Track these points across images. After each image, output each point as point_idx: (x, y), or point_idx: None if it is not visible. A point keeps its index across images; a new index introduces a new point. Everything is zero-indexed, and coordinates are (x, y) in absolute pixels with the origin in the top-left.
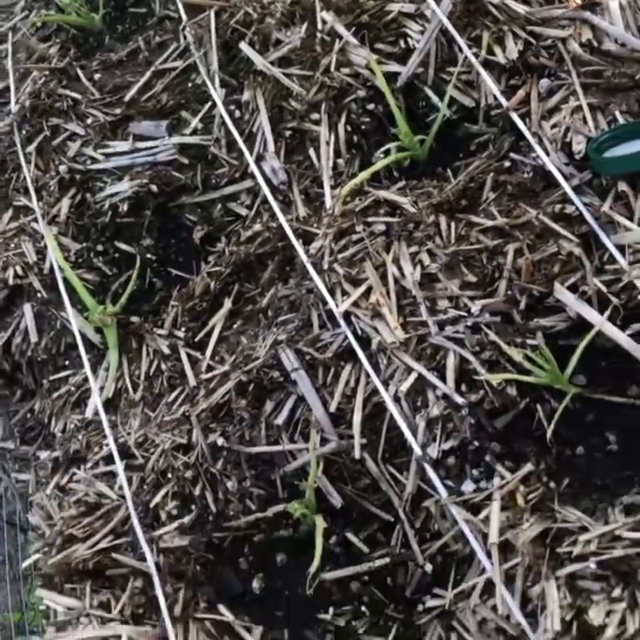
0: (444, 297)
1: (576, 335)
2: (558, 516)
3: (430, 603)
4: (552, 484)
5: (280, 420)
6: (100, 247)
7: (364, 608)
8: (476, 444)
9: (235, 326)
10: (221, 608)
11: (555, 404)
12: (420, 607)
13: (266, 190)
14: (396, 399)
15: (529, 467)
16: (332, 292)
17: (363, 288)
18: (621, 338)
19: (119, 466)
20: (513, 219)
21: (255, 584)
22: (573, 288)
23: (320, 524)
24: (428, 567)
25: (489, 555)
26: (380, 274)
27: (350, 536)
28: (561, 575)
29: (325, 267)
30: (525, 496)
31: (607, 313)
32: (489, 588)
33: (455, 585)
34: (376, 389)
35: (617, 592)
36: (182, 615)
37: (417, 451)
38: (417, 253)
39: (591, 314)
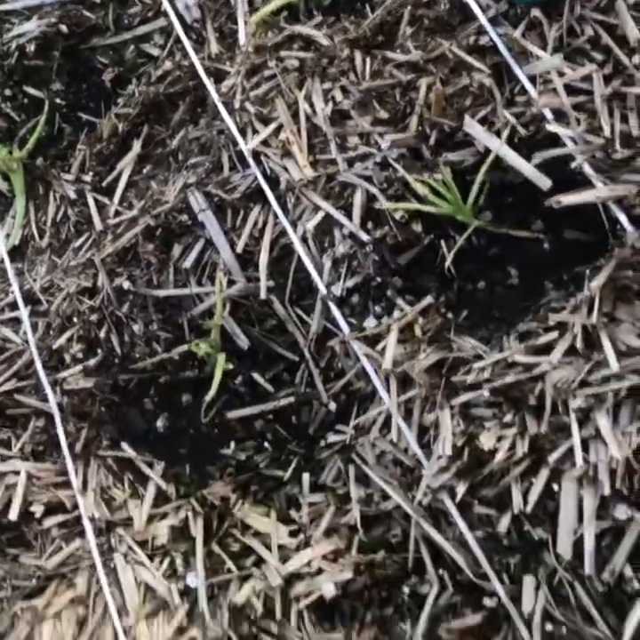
0: (354, 134)
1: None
2: (454, 346)
3: (332, 438)
4: (450, 316)
5: (188, 264)
6: (7, 92)
7: (266, 444)
8: (379, 280)
9: (144, 171)
10: (124, 445)
11: (459, 240)
12: (322, 443)
13: (178, 28)
14: (304, 240)
15: (429, 299)
16: (242, 132)
17: (273, 126)
18: (525, 167)
19: (23, 311)
20: (428, 53)
21: (159, 423)
22: (483, 121)
23: (221, 359)
24: (332, 405)
25: (389, 388)
26: (291, 112)
27: (256, 376)
28: (455, 404)
29: (237, 106)
30: (423, 327)
31: (505, 134)
32: (388, 422)
33: (356, 421)
34: (284, 231)
35: (508, 418)
36: (83, 452)
37: (322, 289)
38: (330, 90)
39: (497, 143)
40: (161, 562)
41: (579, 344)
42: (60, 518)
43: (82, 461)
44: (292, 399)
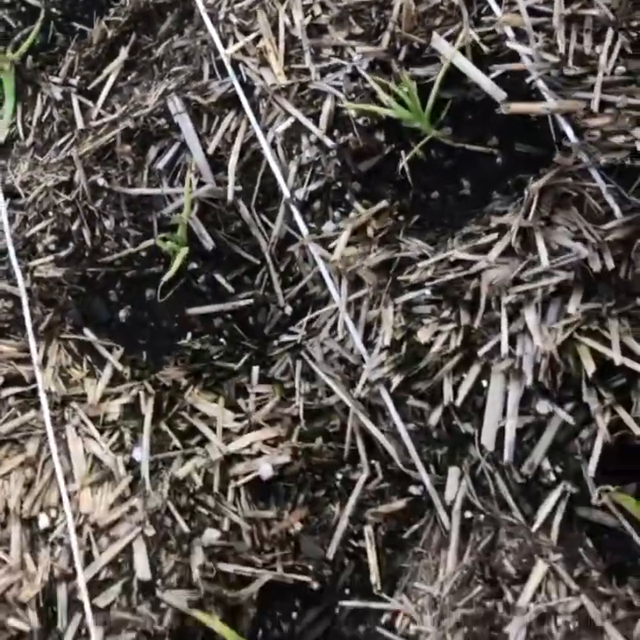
0: (329, 46)
1: (448, 86)
2: (402, 247)
3: (284, 338)
4: (402, 218)
5: (161, 165)
6: None
7: (222, 340)
8: (339, 184)
9: (129, 78)
10: (86, 331)
11: (419, 152)
12: (275, 343)
13: None
14: (273, 146)
15: (384, 203)
16: (224, 43)
17: (253, 35)
18: (482, 79)
19: (1, 203)
20: None
21: (122, 314)
22: (450, 39)
23: (183, 250)
24: (288, 309)
25: (340, 288)
26: (272, 24)
27: (218, 277)
28: (399, 302)
29: (221, 17)
30: (376, 229)
31: (459, 44)
32: (338, 324)
33: (309, 324)
34: (255, 137)
35: (446, 314)
36: (46, 334)
37: (286, 193)
38: (310, 5)
39: (459, 57)
40: (110, 436)
41: (515, 244)
42: (17, 389)
43: (44, 342)
44: (250, 301)
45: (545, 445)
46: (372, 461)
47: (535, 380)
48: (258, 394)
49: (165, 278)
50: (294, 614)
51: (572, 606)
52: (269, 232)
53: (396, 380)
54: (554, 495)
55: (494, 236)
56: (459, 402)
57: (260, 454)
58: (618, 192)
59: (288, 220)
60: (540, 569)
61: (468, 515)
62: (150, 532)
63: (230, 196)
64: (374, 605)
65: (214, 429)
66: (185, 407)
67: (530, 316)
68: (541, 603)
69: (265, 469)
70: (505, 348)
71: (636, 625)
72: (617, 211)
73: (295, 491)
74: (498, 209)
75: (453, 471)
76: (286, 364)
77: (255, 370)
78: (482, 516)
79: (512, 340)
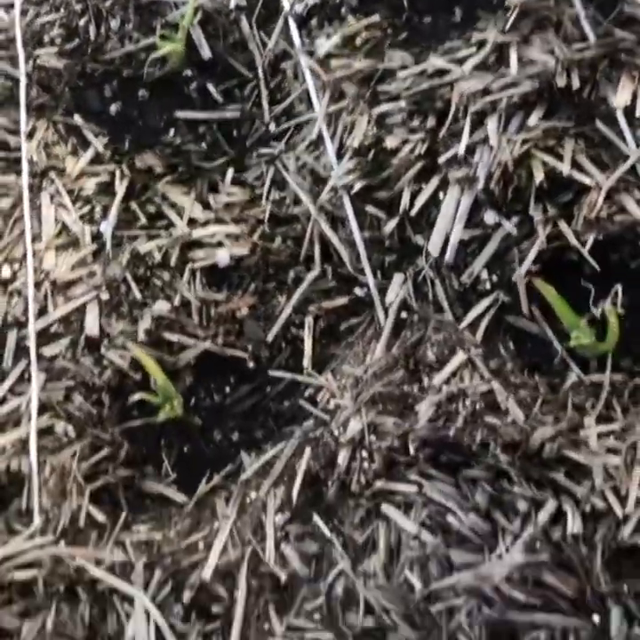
0: None
1: None
2: (386, 58)
3: (263, 151)
4: (390, 32)
5: None
6: None
7: (204, 145)
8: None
9: None
10: (77, 117)
11: None
12: (254, 153)
13: None
14: None
15: (376, 18)
16: None
17: None
18: None
19: None
20: None
21: (113, 108)
22: None
23: (180, 47)
24: (272, 126)
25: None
26: None
27: (210, 87)
28: (374, 113)
29: None
30: (363, 39)
31: None
32: (316, 143)
33: (289, 140)
34: None
35: (415, 123)
36: (38, 112)
37: (286, 6)
38: None
39: None
40: (81, 208)
41: (491, 57)
42: (2, 154)
43: (34, 119)
44: (237, 113)
45: (486, 256)
46: (325, 265)
47: (487, 187)
48: (229, 193)
49: (153, 56)
50: (227, 388)
51: (482, 389)
52: (265, 48)
53: (359, 185)
54: (486, 301)
55: (473, 49)
56: (414, 211)
57: (220, 245)
58: (595, 20)
59: (285, 36)
60: (458, 358)
61: (404, 315)
62: (105, 296)
63: (232, 5)
64: (300, 379)
65: (181, 217)
66: (157, 194)
67: (492, 124)
68: (454, 385)
69: (222, 257)
70: (462, 151)
71: (536, 404)
72: (591, 36)
73: (248, 280)
74: (481, 27)
75: (398, 277)
76: (260, 171)
77: (230, 171)
78: (416, 317)
79: (472, 151)
